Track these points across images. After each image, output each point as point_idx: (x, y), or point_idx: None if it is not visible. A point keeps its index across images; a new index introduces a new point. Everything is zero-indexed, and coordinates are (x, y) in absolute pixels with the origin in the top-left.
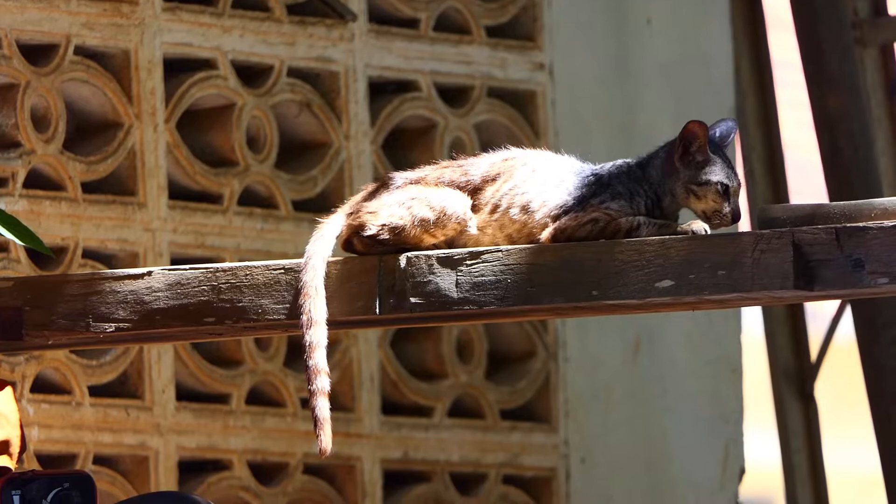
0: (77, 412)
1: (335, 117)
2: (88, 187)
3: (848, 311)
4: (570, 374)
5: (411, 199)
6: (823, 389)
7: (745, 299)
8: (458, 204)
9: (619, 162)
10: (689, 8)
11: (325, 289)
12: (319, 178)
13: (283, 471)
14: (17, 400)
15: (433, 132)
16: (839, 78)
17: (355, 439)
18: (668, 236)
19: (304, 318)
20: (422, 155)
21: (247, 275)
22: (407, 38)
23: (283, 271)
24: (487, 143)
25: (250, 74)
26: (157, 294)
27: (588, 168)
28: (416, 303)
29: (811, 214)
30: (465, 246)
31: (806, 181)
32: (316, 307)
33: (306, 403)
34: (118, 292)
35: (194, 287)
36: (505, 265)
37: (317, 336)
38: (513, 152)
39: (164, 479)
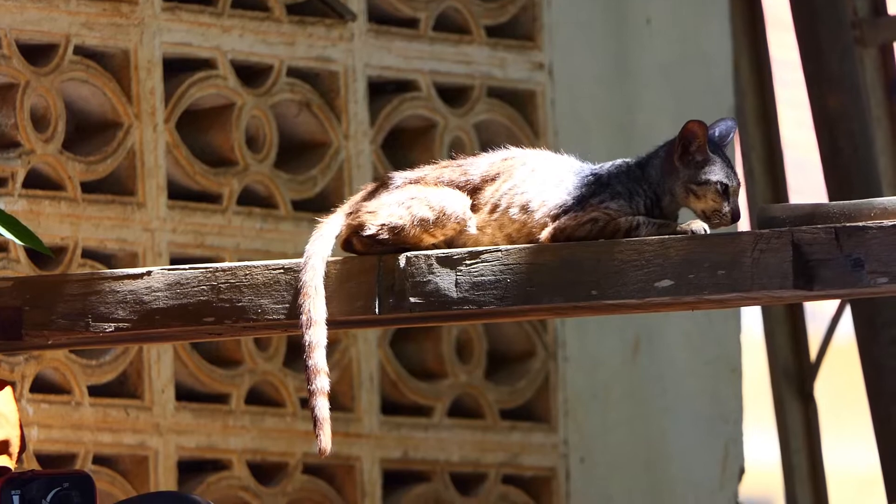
0: (76, 412)
1: (335, 117)
2: (88, 187)
3: (847, 311)
4: (570, 374)
5: (411, 199)
6: (823, 389)
7: (745, 299)
8: (458, 204)
9: (619, 161)
10: (689, 7)
11: (325, 288)
12: (319, 178)
13: (282, 471)
14: (17, 400)
15: (433, 132)
16: (839, 77)
17: (355, 439)
18: (667, 236)
19: (304, 317)
20: (421, 155)
21: (246, 274)
22: (406, 37)
23: (282, 271)
24: (487, 142)
25: (250, 74)
26: (157, 294)
27: (587, 168)
28: (415, 302)
29: (811, 214)
30: (464, 246)
31: (805, 181)
32: (315, 307)
33: (306, 403)
34: (117, 292)
35: (194, 287)
36: (504, 265)
37: (316, 336)
38: (512, 152)
39: (164, 479)
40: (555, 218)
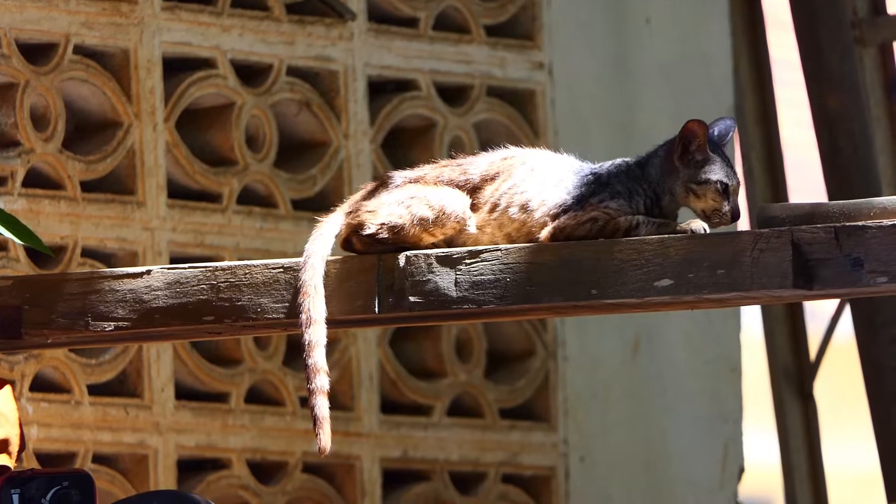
0: (76, 411)
1: (334, 116)
2: (87, 186)
3: (847, 311)
4: (570, 373)
5: (410, 198)
6: (822, 389)
7: (745, 298)
8: (458, 203)
9: (619, 161)
10: (689, 7)
11: (325, 287)
12: (318, 177)
13: (282, 469)
14: (17, 398)
15: (432, 131)
16: (838, 77)
17: (354, 438)
18: (667, 235)
19: (304, 316)
20: (421, 154)
21: (246, 274)
22: (406, 37)
23: (282, 270)
24: (487, 142)
25: (249, 73)
26: (157, 293)
27: (587, 167)
28: (415, 302)
29: (810, 213)
30: (464, 245)
31: (805, 180)
32: (315, 306)
33: (305, 402)
34: (117, 291)
35: (193, 286)
36: (504, 264)
37: (316, 335)
38: (512, 151)
39: (163, 478)
40: (554, 217)
